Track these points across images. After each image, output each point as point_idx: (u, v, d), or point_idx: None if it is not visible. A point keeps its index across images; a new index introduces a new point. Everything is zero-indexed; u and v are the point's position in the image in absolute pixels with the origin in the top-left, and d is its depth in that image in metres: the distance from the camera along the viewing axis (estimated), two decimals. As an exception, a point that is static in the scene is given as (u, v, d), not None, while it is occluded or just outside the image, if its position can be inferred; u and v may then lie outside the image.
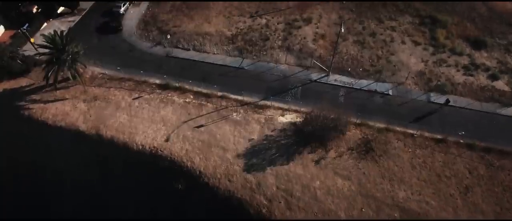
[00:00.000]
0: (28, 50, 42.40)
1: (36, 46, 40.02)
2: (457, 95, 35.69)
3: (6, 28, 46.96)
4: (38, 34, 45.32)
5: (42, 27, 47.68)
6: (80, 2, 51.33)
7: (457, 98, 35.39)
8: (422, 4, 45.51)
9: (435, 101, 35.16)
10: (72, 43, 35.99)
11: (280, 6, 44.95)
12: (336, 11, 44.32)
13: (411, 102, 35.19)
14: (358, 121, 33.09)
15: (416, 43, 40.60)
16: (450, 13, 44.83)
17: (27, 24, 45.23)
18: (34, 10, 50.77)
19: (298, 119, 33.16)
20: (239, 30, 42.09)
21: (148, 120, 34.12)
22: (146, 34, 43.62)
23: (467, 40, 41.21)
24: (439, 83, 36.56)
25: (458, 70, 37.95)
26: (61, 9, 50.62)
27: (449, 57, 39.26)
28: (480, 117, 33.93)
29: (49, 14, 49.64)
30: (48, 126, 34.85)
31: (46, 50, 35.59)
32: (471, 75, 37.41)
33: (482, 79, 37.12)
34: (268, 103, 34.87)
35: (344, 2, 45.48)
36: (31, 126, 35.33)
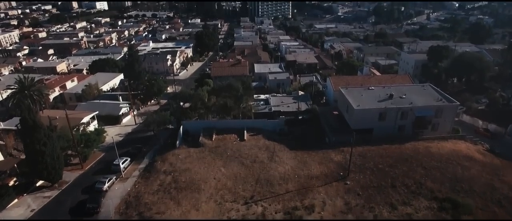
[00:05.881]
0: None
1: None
2: None
3: (-31, 207, 41.42)
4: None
5: (10, 205, 41.99)
6: (64, 173, 47.78)
7: None
8: (436, 184, 41.27)
9: None
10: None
11: (279, 190, 40.30)
12: (341, 196, 39.19)
13: None
14: None
15: (442, 237, 34.05)
16: (468, 193, 40.08)
17: (-12, 208, 39.81)
18: (11, 183, 46.69)
19: None
20: (230, 222, 36.05)
21: None
22: (123, 221, 37.65)
23: (503, 231, 34.88)
24: None
25: None
26: (40, 182, 46.50)
27: (486, 257, 32.01)
28: None
29: (26, 187, 45.19)
30: None
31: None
32: None
33: None
34: None
35: (348, 183, 41.28)
36: None
